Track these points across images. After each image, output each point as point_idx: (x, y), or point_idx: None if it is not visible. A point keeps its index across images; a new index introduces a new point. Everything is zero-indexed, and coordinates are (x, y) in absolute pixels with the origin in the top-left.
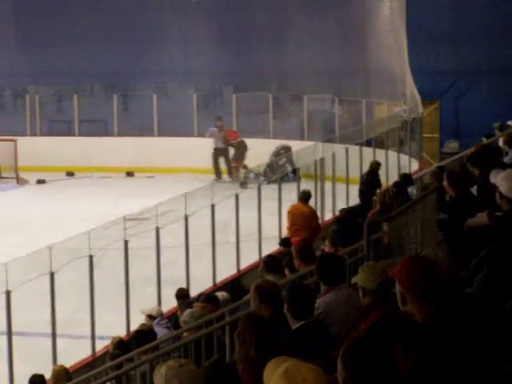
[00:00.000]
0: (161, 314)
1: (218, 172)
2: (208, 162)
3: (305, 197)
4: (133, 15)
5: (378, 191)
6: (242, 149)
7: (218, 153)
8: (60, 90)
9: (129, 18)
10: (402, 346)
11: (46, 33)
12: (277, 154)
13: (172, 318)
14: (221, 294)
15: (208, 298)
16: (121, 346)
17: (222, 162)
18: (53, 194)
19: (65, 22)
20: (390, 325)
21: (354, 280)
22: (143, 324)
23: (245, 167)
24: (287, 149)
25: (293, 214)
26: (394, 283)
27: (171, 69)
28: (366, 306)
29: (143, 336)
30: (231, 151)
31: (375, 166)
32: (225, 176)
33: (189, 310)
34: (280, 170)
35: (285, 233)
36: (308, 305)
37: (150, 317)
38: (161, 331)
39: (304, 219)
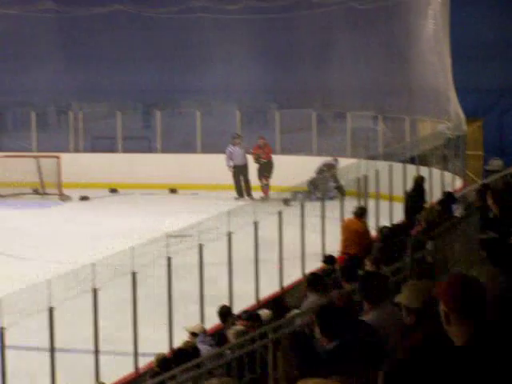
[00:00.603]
0: (204, 332)
1: (240, 190)
2: (253, 179)
3: (359, 212)
4: (177, 33)
5: (424, 206)
6: (270, 167)
7: (239, 170)
8: (103, 107)
9: (173, 35)
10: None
11: (89, 50)
12: (320, 171)
13: (215, 336)
14: (263, 312)
15: (251, 315)
16: (163, 364)
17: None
18: (96, 211)
19: (109, 40)
20: (433, 346)
21: (397, 299)
22: (187, 341)
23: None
24: (330, 166)
25: (344, 229)
26: (438, 302)
27: (215, 86)
28: (410, 325)
29: (184, 354)
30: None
31: (419, 180)
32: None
33: (233, 328)
34: (323, 188)
35: (328, 250)
36: (339, 324)
37: (194, 334)
38: (204, 348)
39: (356, 235)
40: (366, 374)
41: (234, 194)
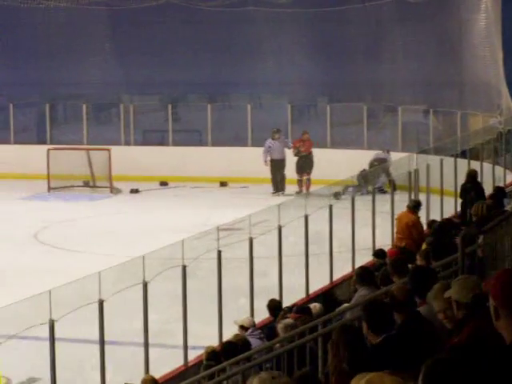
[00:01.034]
0: (253, 325)
1: (276, 185)
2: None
3: (412, 205)
4: (228, 26)
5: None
6: (310, 162)
7: (276, 165)
8: (154, 100)
9: (224, 28)
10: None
11: (141, 43)
12: (371, 165)
13: (265, 329)
14: (313, 306)
15: (301, 309)
16: (213, 357)
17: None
18: (146, 204)
19: (160, 33)
20: (476, 345)
21: (447, 294)
22: (237, 334)
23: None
24: (382, 160)
25: (398, 222)
26: (488, 297)
27: (266, 79)
28: (460, 319)
29: (232, 347)
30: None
31: (473, 173)
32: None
33: (282, 322)
34: (374, 181)
35: (378, 244)
36: (386, 318)
37: (243, 327)
38: (254, 342)
39: (407, 228)
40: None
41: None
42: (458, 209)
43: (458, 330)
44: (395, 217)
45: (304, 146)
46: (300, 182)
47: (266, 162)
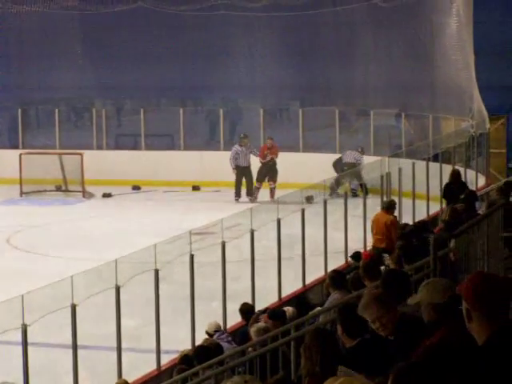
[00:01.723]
0: (219, 329)
1: (238, 191)
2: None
3: (386, 206)
4: (200, 30)
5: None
6: (275, 169)
7: (243, 171)
8: (126, 105)
9: (196, 32)
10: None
11: (113, 48)
12: (342, 168)
13: (237, 333)
14: (286, 309)
15: (276, 312)
16: (186, 361)
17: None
18: (118, 208)
19: (132, 37)
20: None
21: (416, 298)
22: (207, 339)
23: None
24: (352, 164)
25: (374, 223)
26: (461, 300)
27: (238, 83)
28: (433, 321)
29: (205, 351)
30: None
31: (456, 174)
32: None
33: (255, 325)
34: (345, 185)
35: (351, 247)
36: (361, 322)
37: (207, 333)
38: (223, 346)
39: (386, 228)
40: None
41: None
42: (431, 212)
43: (428, 333)
44: (371, 219)
45: (270, 154)
46: (257, 190)
47: (233, 169)
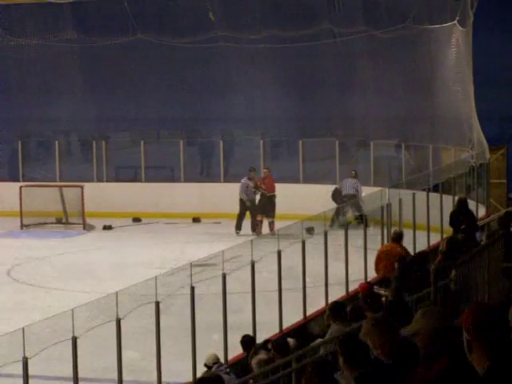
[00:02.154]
0: (217, 361)
1: (239, 224)
2: (278, 208)
3: (397, 237)
4: (200, 62)
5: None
6: (271, 202)
7: (245, 205)
8: (126, 137)
9: (196, 65)
10: None
11: (112, 80)
12: (337, 193)
13: (238, 365)
14: (288, 341)
15: (279, 343)
16: None
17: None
18: (119, 240)
19: (131, 69)
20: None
21: (408, 329)
22: (207, 371)
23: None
24: (352, 196)
25: (386, 255)
26: (460, 330)
27: (238, 115)
28: (426, 349)
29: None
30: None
31: (464, 200)
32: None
33: (256, 357)
34: (344, 217)
35: (351, 278)
36: (362, 352)
37: (206, 366)
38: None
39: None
40: None
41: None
42: (432, 242)
43: (426, 361)
44: (378, 250)
45: (265, 184)
46: (260, 223)
47: (246, 200)
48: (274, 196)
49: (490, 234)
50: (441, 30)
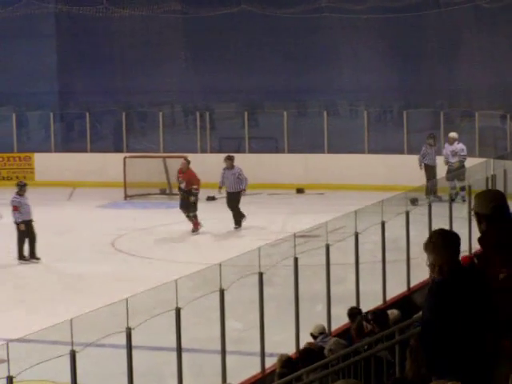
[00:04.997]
0: (323, 331)
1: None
2: (379, 179)
3: None
4: (303, 33)
5: None
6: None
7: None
8: (230, 107)
9: (300, 35)
10: None
11: (216, 50)
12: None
13: (342, 336)
14: (391, 312)
15: (378, 315)
16: (288, 365)
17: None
18: (222, 212)
19: (235, 40)
20: None
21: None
22: (310, 343)
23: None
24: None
25: None
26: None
27: (342, 86)
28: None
29: (310, 354)
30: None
31: None
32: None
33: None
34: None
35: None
36: None
37: (312, 335)
38: None
39: None
40: None
41: (361, 194)
42: None
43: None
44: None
45: (183, 178)
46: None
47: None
48: (192, 191)
49: None
50: None
